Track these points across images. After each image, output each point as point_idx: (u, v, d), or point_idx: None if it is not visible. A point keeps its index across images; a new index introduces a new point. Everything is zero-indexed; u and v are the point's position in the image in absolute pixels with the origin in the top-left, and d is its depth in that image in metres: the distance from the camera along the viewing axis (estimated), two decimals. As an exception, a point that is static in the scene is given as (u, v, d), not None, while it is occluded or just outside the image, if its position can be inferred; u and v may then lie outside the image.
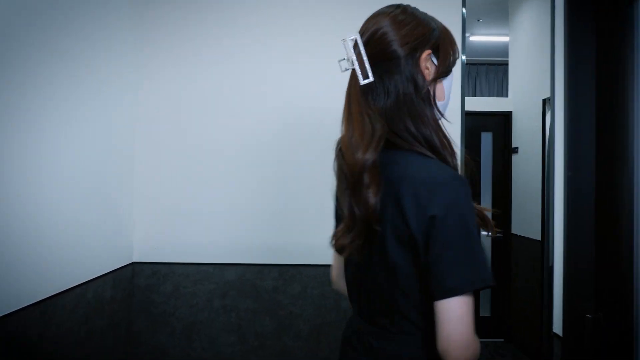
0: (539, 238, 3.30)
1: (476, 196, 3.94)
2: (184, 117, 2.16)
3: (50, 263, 1.50)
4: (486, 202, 4.05)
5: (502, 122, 4.03)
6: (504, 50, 5.00)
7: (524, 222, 3.65)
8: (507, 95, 4.34)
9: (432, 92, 0.88)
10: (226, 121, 2.16)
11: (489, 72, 6.09)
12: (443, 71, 0.90)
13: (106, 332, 1.88)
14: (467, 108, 2.28)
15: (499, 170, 4.05)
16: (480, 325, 4.00)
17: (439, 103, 0.90)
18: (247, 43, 2.16)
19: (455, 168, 0.89)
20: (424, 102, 0.87)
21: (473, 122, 3.90)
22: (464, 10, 2.20)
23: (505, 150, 4.01)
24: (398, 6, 0.92)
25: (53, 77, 1.50)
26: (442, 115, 0.91)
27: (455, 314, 0.76)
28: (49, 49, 1.48)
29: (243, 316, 2.12)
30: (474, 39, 5.14)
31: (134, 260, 2.15)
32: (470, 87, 6.00)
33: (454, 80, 0.98)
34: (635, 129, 1.24)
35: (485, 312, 4.06)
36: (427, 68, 0.88)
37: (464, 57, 2.20)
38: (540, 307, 3.23)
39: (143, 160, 2.16)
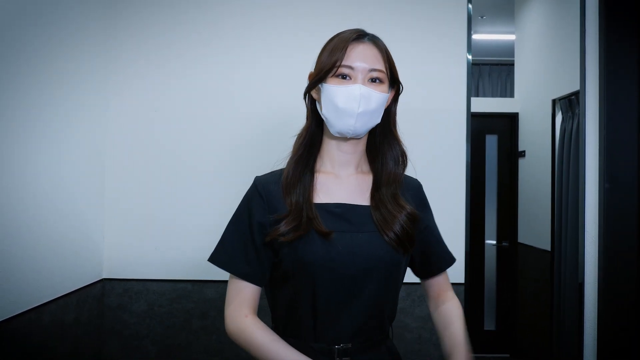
0: (549, 248, 3.09)
1: (480, 203, 3.78)
2: (158, 127, 1.97)
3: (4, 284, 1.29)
4: (491, 209, 3.85)
5: (507, 124, 3.82)
6: (508, 49, 4.81)
7: (532, 231, 3.45)
8: (511, 97, 4.15)
9: (312, 100, 1.00)
10: (202, 131, 1.97)
11: (492, 73, 5.89)
12: (313, 79, 0.96)
13: (69, 360, 1.68)
14: (471, 109, 2.08)
15: (504, 175, 3.84)
16: (485, 339, 3.79)
17: (323, 113, 0.96)
18: (220, 50, 1.98)
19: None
20: (308, 113, 1.02)
21: (477, 124, 3.69)
22: (469, 6, 2.01)
23: (511, 154, 3.80)
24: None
25: (18, 86, 1.37)
26: (328, 127, 0.97)
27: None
28: (15, 56, 1.35)
29: (224, 339, 1.91)
30: (477, 37, 4.94)
31: (104, 276, 1.94)
32: (472, 88, 5.78)
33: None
34: None
35: (489, 325, 3.85)
36: (308, 81, 1.00)
37: (469, 56, 2.01)
38: (550, 321, 3.03)
39: (114, 171, 1.96)
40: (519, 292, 3.67)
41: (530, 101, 3.54)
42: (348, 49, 0.92)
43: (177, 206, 1.95)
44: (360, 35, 0.95)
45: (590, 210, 1.23)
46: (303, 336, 0.93)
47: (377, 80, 0.94)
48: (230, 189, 1.87)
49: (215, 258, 0.97)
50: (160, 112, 1.97)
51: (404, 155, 1.02)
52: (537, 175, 3.35)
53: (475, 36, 4.89)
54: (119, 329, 1.93)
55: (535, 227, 3.39)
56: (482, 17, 4.47)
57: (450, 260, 1.09)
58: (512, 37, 4.05)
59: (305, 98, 1.01)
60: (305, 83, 1.00)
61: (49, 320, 1.54)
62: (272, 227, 0.92)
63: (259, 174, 1.03)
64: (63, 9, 1.62)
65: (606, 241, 1.15)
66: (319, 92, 0.96)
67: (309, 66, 1.01)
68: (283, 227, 0.90)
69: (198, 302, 1.94)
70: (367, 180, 1.02)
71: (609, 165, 1.15)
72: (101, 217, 1.93)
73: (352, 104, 0.90)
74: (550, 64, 3.15)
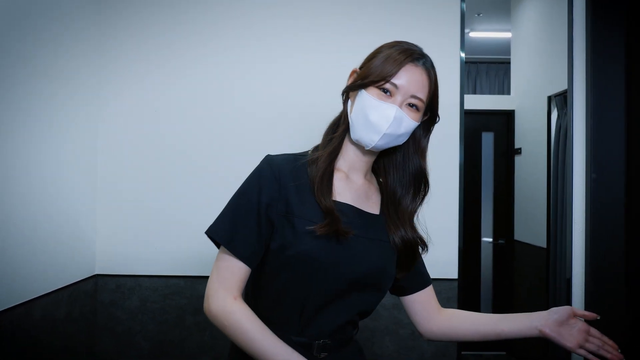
0: (544, 245, 3.09)
1: (477, 200, 3.78)
2: (150, 125, 1.97)
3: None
4: (487, 207, 3.84)
5: (504, 121, 3.82)
6: (505, 47, 4.79)
7: (528, 228, 3.45)
8: (509, 95, 4.15)
9: (347, 99, 0.98)
10: (194, 126, 1.97)
11: (490, 71, 5.88)
12: (353, 83, 0.96)
13: (62, 356, 1.67)
14: (466, 107, 2.10)
15: (501, 173, 3.84)
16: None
17: (351, 117, 0.95)
18: (213, 50, 1.98)
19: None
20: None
21: (473, 121, 3.70)
22: (463, 4, 2.02)
23: (507, 152, 3.80)
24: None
25: (13, 83, 1.38)
26: (352, 132, 0.96)
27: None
28: (6, 53, 1.34)
29: (218, 335, 1.91)
30: (474, 35, 4.93)
31: (97, 272, 1.94)
32: (470, 86, 5.78)
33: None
34: None
35: (486, 322, 3.84)
36: (350, 79, 1.00)
37: (462, 54, 2.04)
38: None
39: (107, 167, 1.96)
40: (515, 289, 3.67)
41: (527, 98, 3.53)
42: (403, 68, 0.91)
43: (170, 203, 1.94)
44: (418, 57, 0.94)
45: (578, 202, 1.23)
46: (284, 328, 0.92)
47: (414, 107, 0.92)
48: (222, 186, 1.88)
49: (215, 231, 0.91)
50: (154, 110, 1.97)
51: (427, 184, 1.03)
52: (534, 172, 3.34)
53: (472, 34, 4.88)
54: (112, 325, 1.93)
55: (531, 224, 3.39)
56: (478, 14, 4.46)
57: (430, 279, 1.10)
58: (509, 34, 4.04)
59: (343, 95, 1.00)
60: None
61: (40, 315, 1.54)
62: (294, 216, 0.90)
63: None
64: (60, 8, 1.62)
65: (593, 233, 1.15)
66: (355, 94, 0.95)
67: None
68: (317, 227, 0.87)
69: (191, 298, 1.94)
70: (373, 188, 1.03)
71: (596, 156, 1.14)
72: (94, 212, 1.93)
73: (382, 122, 0.90)
74: (546, 61, 3.15)
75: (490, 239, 3.82)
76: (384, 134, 0.90)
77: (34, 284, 1.53)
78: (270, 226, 0.90)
